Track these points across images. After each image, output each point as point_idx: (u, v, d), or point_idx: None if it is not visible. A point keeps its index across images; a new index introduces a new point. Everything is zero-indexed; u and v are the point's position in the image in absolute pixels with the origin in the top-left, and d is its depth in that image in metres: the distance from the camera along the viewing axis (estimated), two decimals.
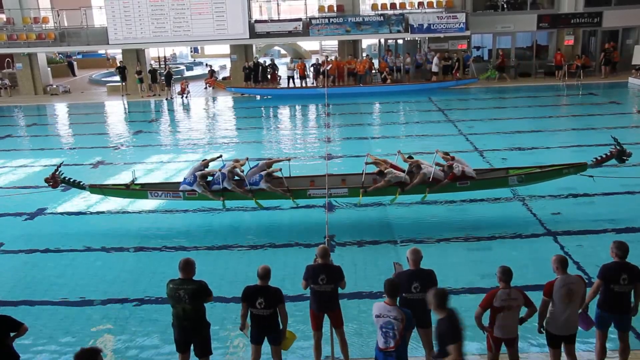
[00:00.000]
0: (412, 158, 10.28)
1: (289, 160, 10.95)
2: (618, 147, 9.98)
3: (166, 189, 10.82)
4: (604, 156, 10.15)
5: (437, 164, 10.20)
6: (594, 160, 10.17)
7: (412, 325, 5.24)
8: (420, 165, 9.94)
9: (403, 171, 9.98)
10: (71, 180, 10.53)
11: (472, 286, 7.76)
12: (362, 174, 10.11)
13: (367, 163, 10.15)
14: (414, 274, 5.61)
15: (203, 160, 10.75)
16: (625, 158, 10.00)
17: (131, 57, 26.97)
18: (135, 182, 11.05)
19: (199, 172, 10.21)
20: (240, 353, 6.55)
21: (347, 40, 26.50)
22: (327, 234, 6.82)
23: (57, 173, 10.30)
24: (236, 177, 10.18)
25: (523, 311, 5.48)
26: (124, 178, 12.19)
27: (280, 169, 10.35)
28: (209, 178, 10.34)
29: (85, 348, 4.35)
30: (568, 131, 17.48)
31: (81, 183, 10.67)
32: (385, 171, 9.78)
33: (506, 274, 5.35)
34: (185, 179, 10.40)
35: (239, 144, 17.24)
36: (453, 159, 10.22)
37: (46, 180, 10.30)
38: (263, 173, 10.17)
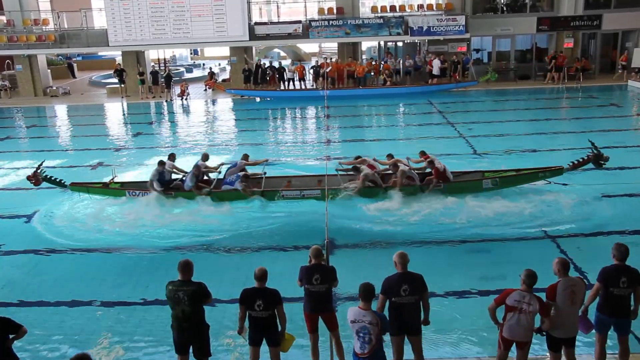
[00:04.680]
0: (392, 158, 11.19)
1: (266, 161, 11.73)
2: (595, 152, 10.06)
3: (145, 188, 10.89)
4: (580, 160, 10.26)
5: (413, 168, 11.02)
6: (570, 164, 10.26)
7: (387, 329, 5.23)
8: (397, 165, 10.75)
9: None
10: (53, 178, 10.70)
11: (470, 289, 7.75)
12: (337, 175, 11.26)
13: (338, 170, 11.29)
14: (403, 276, 5.55)
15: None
16: (602, 162, 10.08)
17: (131, 59, 26.98)
18: (114, 181, 11.20)
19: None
20: (239, 355, 6.54)
21: (347, 42, 26.53)
22: (327, 237, 6.80)
23: (38, 171, 10.48)
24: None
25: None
26: (122, 179, 12.17)
27: (264, 173, 11.26)
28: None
29: (73, 356, 4.42)
30: (567, 134, 17.46)
31: (62, 181, 10.88)
32: (361, 168, 10.84)
33: (530, 277, 5.31)
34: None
35: (239, 145, 17.21)
36: (427, 158, 10.75)
37: (28, 179, 10.55)
38: (240, 174, 10.68)
